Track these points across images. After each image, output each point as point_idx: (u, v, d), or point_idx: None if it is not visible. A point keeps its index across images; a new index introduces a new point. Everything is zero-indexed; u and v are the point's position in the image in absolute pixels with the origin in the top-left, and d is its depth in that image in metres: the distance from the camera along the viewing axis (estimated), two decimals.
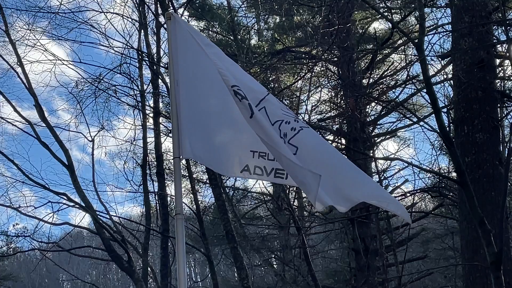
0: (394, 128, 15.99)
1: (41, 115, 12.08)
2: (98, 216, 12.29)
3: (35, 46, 12.74)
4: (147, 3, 14.02)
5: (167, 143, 15.03)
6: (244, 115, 4.32)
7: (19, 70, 12.29)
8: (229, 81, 4.46)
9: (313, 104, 15.04)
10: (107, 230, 12.38)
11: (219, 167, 4.83)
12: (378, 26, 15.78)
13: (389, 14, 12.52)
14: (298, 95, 14.80)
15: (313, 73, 14.39)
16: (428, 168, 11.87)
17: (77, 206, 12.06)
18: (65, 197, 11.93)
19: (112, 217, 13.13)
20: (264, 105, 4.58)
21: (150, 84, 14.46)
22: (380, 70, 15.97)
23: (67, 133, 13.52)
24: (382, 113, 15.41)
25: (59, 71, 16.34)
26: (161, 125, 14.43)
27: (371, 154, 14.52)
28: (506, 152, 8.94)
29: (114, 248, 12.57)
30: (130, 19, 14.17)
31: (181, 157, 4.51)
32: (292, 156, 4.25)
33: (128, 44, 13.80)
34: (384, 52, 14.84)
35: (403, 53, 13.47)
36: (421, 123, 10.60)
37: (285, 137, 4.49)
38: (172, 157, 4.92)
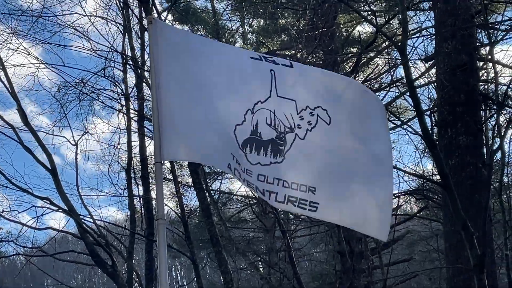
0: None
1: (23, 119, 11.99)
2: (82, 221, 12.21)
3: (18, 49, 12.65)
4: (131, 7, 13.98)
5: (151, 147, 14.97)
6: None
7: (1, 74, 12.20)
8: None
9: None
10: (90, 235, 12.31)
11: (205, 159, 4.82)
12: (363, 29, 15.84)
13: (373, 17, 12.54)
14: None
15: None
16: (412, 171, 11.90)
17: (60, 210, 11.99)
18: (48, 202, 11.86)
19: (96, 221, 13.06)
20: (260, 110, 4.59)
21: (135, 88, 14.41)
22: (364, 73, 16.01)
23: (50, 137, 13.44)
24: None
25: (42, 75, 16.27)
26: (145, 129, 14.39)
27: None
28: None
29: (99, 252, 12.50)
30: (114, 23, 14.11)
31: (162, 161, 4.49)
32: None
33: (112, 47, 13.74)
34: (368, 55, 14.88)
35: (387, 56, 13.51)
36: (405, 126, 10.63)
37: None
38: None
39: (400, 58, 7.46)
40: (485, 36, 10.50)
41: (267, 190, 4.49)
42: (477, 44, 10.37)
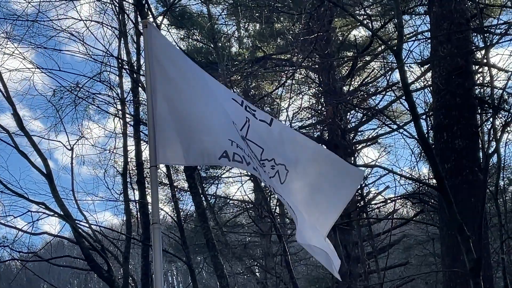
0: (375, 135, 16.05)
1: (19, 124, 11.94)
2: (78, 225, 12.17)
3: (13, 54, 12.61)
4: (127, 11, 13.94)
5: (148, 151, 14.94)
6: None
7: None
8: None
9: (294, 111, 15.06)
10: (86, 240, 12.26)
11: (195, 159, 4.79)
12: (358, 33, 15.85)
13: (369, 21, 12.55)
14: (279, 102, 14.81)
15: (294, 80, 14.40)
16: (408, 175, 11.89)
17: (56, 215, 11.93)
18: (43, 207, 11.80)
19: (92, 226, 13.00)
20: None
21: (130, 92, 14.38)
22: (360, 77, 16.02)
23: (45, 141, 13.38)
24: (363, 120, 15.45)
25: (37, 79, 16.24)
26: (141, 133, 14.35)
27: (352, 161, 14.53)
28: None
29: (94, 257, 12.45)
30: (109, 27, 14.08)
31: (157, 165, 4.49)
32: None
33: (108, 52, 13.70)
34: (364, 59, 14.89)
35: (383, 60, 13.52)
36: (401, 130, 10.63)
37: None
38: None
39: (395, 62, 7.46)
40: (481, 39, 10.52)
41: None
42: (473, 47, 10.38)
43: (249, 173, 13.91)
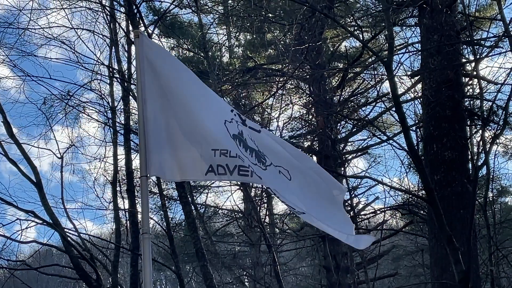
0: (365, 145, 16.09)
1: (9, 132, 11.90)
2: (67, 234, 12.11)
3: (4, 62, 12.58)
4: (118, 20, 13.94)
5: (137, 160, 14.88)
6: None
7: None
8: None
9: (285, 121, 15.09)
10: (75, 248, 12.21)
11: (184, 175, 4.78)
12: (349, 44, 15.90)
13: (360, 32, 12.61)
14: (270, 112, 14.83)
15: (285, 91, 14.43)
16: (398, 186, 11.92)
17: (45, 223, 11.87)
18: (32, 215, 11.74)
19: (81, 234, 12.95)
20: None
21: (121, 101, 14.36)
22: (351, 88, 16.07)
23: (36, 149, 13.34)
24: (353, 130, 15.50)
25: (28, 87, 16.14)
26: (131, 142, 14.33)
27: (342, 172, 14.56)
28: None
29: (83, 266, 12.39)
30: (101, 35, 14.07)
31: (148, 175, 4.49)
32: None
33: (99, 60, 13.69)
34: (355, 70, 14.94)
35: (374, 71, 13.58)
36: (391, 141, 10.67)
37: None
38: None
39: (386, 73, 7.49)
40: (471, 52, 10.58)
41: (258, 176, 4.57)
42: (463, 60, 10.44)
43: (238, 182, 13.90)
